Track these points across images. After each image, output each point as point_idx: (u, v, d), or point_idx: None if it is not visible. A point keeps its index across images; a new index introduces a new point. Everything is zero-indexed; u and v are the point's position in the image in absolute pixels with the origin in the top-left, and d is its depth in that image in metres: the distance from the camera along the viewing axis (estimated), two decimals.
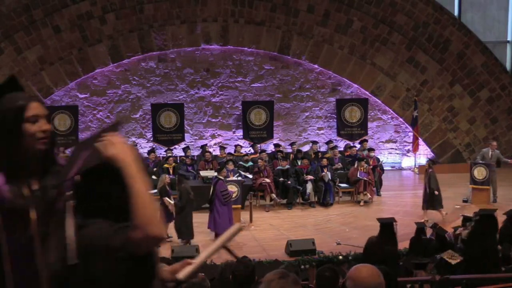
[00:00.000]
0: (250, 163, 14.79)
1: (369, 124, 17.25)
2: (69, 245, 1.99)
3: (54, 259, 2.06)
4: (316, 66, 16.84)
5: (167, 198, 11.13)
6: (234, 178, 13.02)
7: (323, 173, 13.73)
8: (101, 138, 2.06)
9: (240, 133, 16.93)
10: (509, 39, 18.04)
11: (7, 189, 2.16)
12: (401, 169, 17.66)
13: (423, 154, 17.46)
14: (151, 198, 2.02)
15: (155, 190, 11.18)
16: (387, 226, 7.71)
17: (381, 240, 6.53)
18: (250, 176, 13.88)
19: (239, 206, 12.24)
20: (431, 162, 12.98)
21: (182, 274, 2.27)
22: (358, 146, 16.25)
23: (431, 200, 12.14)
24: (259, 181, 13.48)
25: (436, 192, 12.18)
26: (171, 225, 11.07)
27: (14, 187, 2.17)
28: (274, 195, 13.50)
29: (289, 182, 13.65)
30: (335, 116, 17.15)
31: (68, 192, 2.07)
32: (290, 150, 15.95)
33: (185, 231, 10.78)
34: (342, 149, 16.32)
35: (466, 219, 9.87)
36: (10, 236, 2.15)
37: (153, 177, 13.20)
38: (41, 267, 2.16)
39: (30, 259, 2.16)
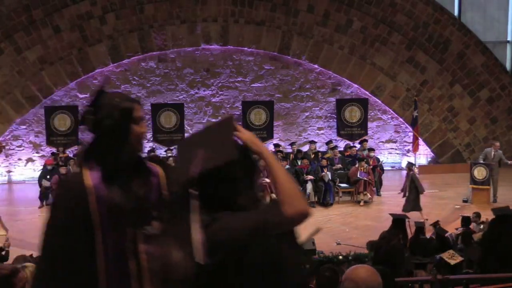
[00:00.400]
0: None
1: (369, 124, 17.25)
2: (196, 244, 1.98)
3: (180, 259, 2.03)
4: (316, 66, 16.84)
5: None
6: None
7: (323, 173, 13.73)
8: (232, 133, 2.09)
9: None
10: (509, 39, 18.04)
11: (106, 187, 2.17)
12: (401, 169, 17.64)
13: (423, 154, 17.46)
14: (292, 180, 2.12)
15: None
16: (399, 221, 7.74)
17: (389, 235, 6.54)
18: None
19: None
20: (411, 164, 12.99)
21: None
22: (358, 146, 16.24)
23: (416, 201, 12.08)
24: (259, 181, 13.46)
25: (423, 193, 12.21)
26: None
27: (113, 186, 2.19)
28: (274, 195, 13.47)
29: None
30: (335, 116, 17.15)
31: (193, 190, 2.05)
32: (290, 150, 15.96)
33: None
34: (342, 149, 16.32)
35: (464, 219, 9.89)
36: (107, 234, 2.16)
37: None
38: (133, 267, 2.16)
39: (123, 259, 2.16)
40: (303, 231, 2.17)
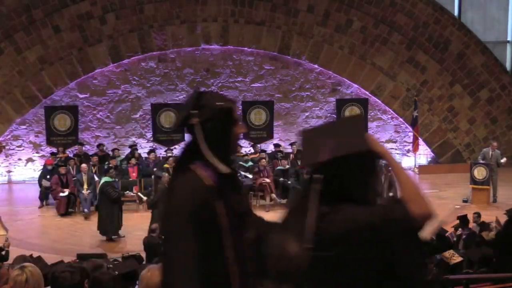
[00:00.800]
0: (250, 163, 14.79)
1: (369, 124, 17.24)
2: (308, 231, 1.95)
3: (296, 251, 1.99)
4: (316, 66, 16.83)
5: None
6: None
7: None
8: (363, 128, 2.11)
9: None
10: (509, 39, 18.04)
11: (224, 189, 2.20)
12: None
13: (423, 154, 17.46)
14: (416, 183, 2.10)
15: None
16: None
17: None
18: (250, 176, 13.88)
19: None
20: (387, 166, 12.88)
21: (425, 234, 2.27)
22: None
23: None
24: (259, 181, 13.48)
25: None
26: None
27: (227, 187, 2.23)
28: (274, 195, 13.50)
29: (289, 182, 13.65)
30: (335, 116, 17.13)
31: (317, 175, 2.01)
32: (290, 150, 15.96)
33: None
34: None
35: (462, 219, 9.87)
36: (231, 236, 2.20)
37: (153, 177, 13.22)
38: (251, 267, 2.19)
39: (243, 260, 2.22)
40: (427, 227, 2.13)
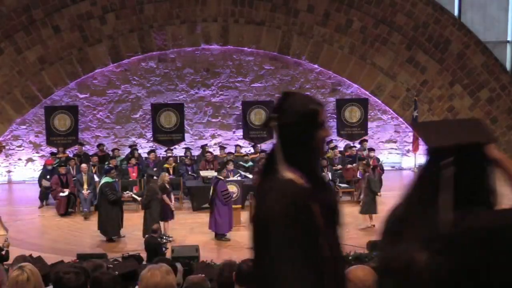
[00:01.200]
0: (250, 163, 14.79)
1: (369, 124, 17.25)
2: (440, 232, 1.69)
3: (424, 260, 1.71)
4: (316, 66, 16.84)
5: (166, 196, 11.16)
6: (234, 178, 13.02)
7: (323, 173, 13.73)
8: (484, 128, 1.93)
9: (240, 133, 16.93)
10: (509, 39, 18.03)
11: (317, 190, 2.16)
12: (401, 169, 17.66)
13: (423, 154, 17.43)
14: None
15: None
16: None
17: None
18: (250, 176, 13.88)
19: (239, 206, 12.24)
20: (366, 165, 12.86)
21: None
22: (358, 146, 16.25)
23: (371, 204, 11.96)
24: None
25: (379, 194, 12.07)
26: (165, 224, 11.15)
27: (319, 188, 2.18)
28: None
29: None
30: (335, 116, 17.14)
31: (446, 160, 1.78)
32: None
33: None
34: (342, 149, 16.32)
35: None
36: (326, 238, 2.17)
37: (154, 177, 13.22)
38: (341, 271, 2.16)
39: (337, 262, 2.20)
40: None
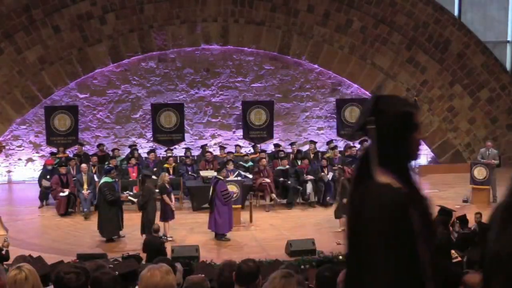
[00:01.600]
0: (250, 163, 14.79)
1: None
2: None
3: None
4: (316, 66, 16.84)
5: (166, 196, 11.16)
6: (234, 178, 13.01)
7: (323, 173, 13.72)
8: None
9: (240, 133, 16.93)
10: (509, 39, 18.04)
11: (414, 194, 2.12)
12: None
13: (423, 154, 17.45)
14: None
15: (156, 190, 11.26)
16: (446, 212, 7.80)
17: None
18: (250, 176, 13.88)
19: (239, 206, 12.24)
20: (341, 170, 12.79)
21: None
22: (358, 146, 16.24)
23: (344, 208, 11.95)
24: (259, 181, 13.47)
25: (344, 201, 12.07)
26: (165, 224, 11.13)
27: (414, 192, 2.14)
28: (274, 195, 13.49)
29: (289, 182, 13.65)
30: (335, 116, 17.15)
31: None
32: (290, 150, 15.95)
33: (149, 227, 10.59)
34: (342, 149, 16.31)
35: (461, 219, 9.89)
36: (423, 243, 2.11)
37: (154, 177, 13.21)
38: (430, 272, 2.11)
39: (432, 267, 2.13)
40: None
